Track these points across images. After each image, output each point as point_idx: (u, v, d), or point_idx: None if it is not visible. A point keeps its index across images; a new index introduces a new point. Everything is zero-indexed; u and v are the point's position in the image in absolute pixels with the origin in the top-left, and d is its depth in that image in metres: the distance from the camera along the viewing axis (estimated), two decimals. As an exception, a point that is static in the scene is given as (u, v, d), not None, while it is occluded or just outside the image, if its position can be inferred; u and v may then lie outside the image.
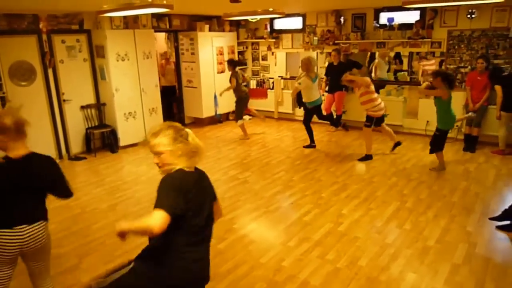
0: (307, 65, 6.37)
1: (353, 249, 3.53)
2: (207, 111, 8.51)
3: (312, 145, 6.77)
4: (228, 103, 8.83)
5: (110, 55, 6.58)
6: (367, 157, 6.00)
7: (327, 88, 7.82)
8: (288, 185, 5.13)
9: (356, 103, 6.31)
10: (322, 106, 6.87)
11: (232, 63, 7.28)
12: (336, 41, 7.86)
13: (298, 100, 8.22)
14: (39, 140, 6.23)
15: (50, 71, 6.25)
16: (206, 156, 6.43)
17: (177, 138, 1.91)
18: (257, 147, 6.97)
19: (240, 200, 4.70)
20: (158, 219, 1.69)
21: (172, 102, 8.91)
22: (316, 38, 8.14)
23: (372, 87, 5.80)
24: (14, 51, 5.81)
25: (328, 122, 7.56)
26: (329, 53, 7.79)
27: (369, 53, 8.29)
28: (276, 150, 6.73)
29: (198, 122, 8.76)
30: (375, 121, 5.89)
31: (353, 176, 5.37)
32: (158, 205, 1.74)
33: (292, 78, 8.69)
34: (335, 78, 6.93)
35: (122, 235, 1.76)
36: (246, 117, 7.67)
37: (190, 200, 1.83)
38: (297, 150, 6.67)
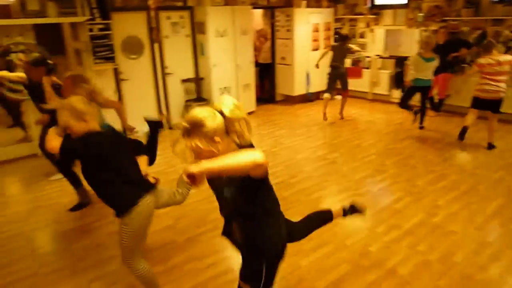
0: (425, 43, 6.06)
1: (447, 243, 3.31)
2: (299, 89, 8.47)
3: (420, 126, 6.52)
4: (320, 82, 8.70)
5: (210, 31, 6.83)
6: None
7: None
8: (379, 169, 4.94)
9: (462, 86, 5.77)
10: None
11: (341, 37, 7.06)
12: (444, 18, 7.20)
13: (397, 80, 7.79)
14: (144, 109, 6.80)
15: (156, 46, 6.71)
16: (294, 134, 6.47)
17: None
18: (348, 128, 6.79)
19: (327, 181, 4.66)
20: (261, 154, 1.49)
21: (265, 79, 9.03)
22: (422, 14, 7.54)
23: (488, 69, 5.17)
24: (126, 27, 6.33)
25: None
26: (435, 31, 7.18)
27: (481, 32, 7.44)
28: (367, 133, 6.49)
29: (289, 100, 8.77)
30: (480, 103, 5.33)
31: (453, 166, 4.97)
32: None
33: (391, 57, 8.22)
34: (441, 58, 6.39)
35: (193, 178, 1.47)
36: (338, 97, 7.44)
37: None
38: (391, 134, 6.36)
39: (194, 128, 1.60)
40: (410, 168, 4.94)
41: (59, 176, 4.65)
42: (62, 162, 4.11)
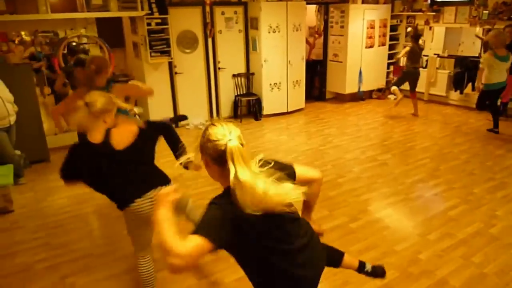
0: (496, 38, 5.62)
1: (506, 257, 3.11)
2: (350, 87, 8.28)
3: (494, 130, 6.13)
4: (373, 80, 8.47)
5: (263, 27, 6.84)
6: None
7: None
8: (433, 174, 4.73)
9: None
10: None
11: (415, 36, 6.91)
12: (512, 16, 6.73)
13: (455, 81, 7.44)
14: (195, 103, 6.97)
15: (209, 41, 6.83)
16: (344, 133, 6.35)
17: None
18: (401, 129, 6.55)
19: (377, 183, 4.53)
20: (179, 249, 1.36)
21: (315, 76, 8.92)
22: (487, 11, 7.09)
23: None
24: (182, 22, 6.49)
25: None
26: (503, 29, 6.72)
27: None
28: (422, 135, 6.23)
29: (339, 98, 8.61)
30: None
31: (515, 175, 4.67)
32: None
33: (450, 56, 7.81)
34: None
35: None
36: (399, 95, 7.18)
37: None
38: (447, 137, 6.05)
39: (203, 146, 1.49)
40: (467, 174, 4.69)
41: None
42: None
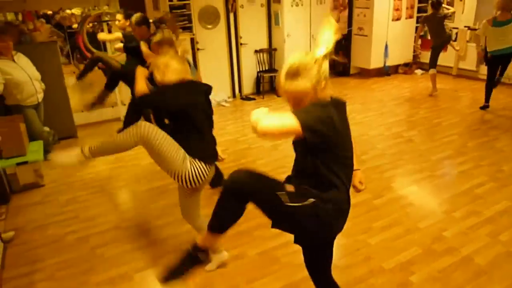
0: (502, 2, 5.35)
1: (534, 235, 3.04)
2: (375, 62, 8.07)
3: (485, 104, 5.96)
4: (399, 54, 8.22)
5: (286, 0, 6.69)
6: None
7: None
8: (460, 151, 4.61)
9: None
10: None
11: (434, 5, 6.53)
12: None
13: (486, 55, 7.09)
14: (218, 79, 6.95)
15: (231, 16, 6.74)
16: (368, 109, 6.23)
17: None
18: (428, 105, 6.37)
19: (402, 159, 4.45)
20: (290, 121, 1.48)
21: (339, 51, 8.72)
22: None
23: None
24: (204, -4, 6.43)
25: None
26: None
27: None
28: (449, 111, 6.05)
29: (364, 73, 8.42)
30: None
31: (547, 152, 4.50)
32: None
33: (482, 29, 7.45)
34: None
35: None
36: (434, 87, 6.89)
37: None
38: (476, 114, 5.86)
39: (303, 70, 1.55)
40: (496, 151, 4.55)
41: None
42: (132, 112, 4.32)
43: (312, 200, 1.58)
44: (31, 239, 3.32)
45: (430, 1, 6.74)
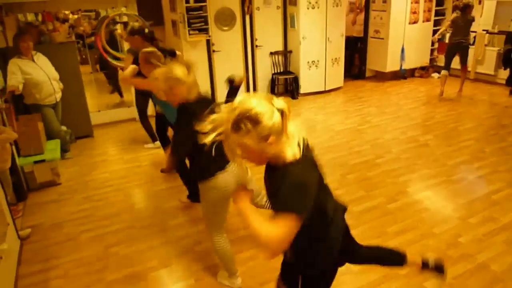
0: None
1: (553, 244, 2.97)
2: (392, 65, 7.98)
3: None
4: (416, 58, 8.13)
5: (302, 3, 6.68)
6: None
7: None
8: (477, 156, 4.53)
9: None
10: None
11: (462, 7, 6.47)
12: None
13: (504, 58, 6.97)
14: (232, 81, 6.95)
15: (247, 18, 6.76)
16: (383, 113, 6.18)
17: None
18: (444, 109, 6.28)
19: (417, 164, 4.40)
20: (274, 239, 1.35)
21: (355, 54, 8.67)
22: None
23: None
24: (220, -2, 6.47)
25: None
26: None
27: None
28: (466, 115, 5.95)
29: (380, 76, 8.34)
30: None
31: None
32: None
33: (501, 32, 7.33)
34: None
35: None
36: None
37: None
38: (493, 118, 5.75)
39: (246, 123, 1.32)
40: (515, 157, 4.46)
41: (152, 145, 5.06)
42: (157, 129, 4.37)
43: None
44: (47, 236, 3.38)
45: (460, 4, 6.60)
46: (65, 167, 4.69)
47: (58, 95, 4.69)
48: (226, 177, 2.34)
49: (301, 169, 1.40)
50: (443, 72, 6.67)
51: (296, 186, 1.37)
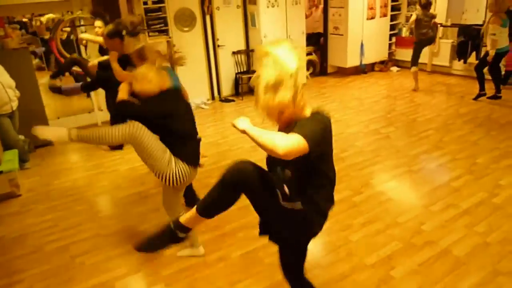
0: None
1: (509, 225, 3.13)
2: (352, 61, 8.16)
3: (481, 93, 6.14)
4: (375, 52, 8.35)
5: (261, 2, 6.71)
6: None
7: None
8: (436, 145, 4.72)
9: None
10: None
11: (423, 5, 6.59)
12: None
13: (458, 50, 7.28)
14: (196, 82, 6.91)
15: (208, 18, 6.72)
16: (346, 107, 6.31)
17: None
18: (404, 101, 6.50)
19: (380, 156, 4.53)
20: (285, 143, 1.45)
21: (316, 50, 8.79)
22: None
23: None
24: (179, -1, 6.39)
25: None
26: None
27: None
28: (425, 107, 6.18)
29: (341, 72, 8.52)
30: None
31: (519, 143, 4.64)
32: None
33: (454, 25, 7.64)
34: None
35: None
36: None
37: None
38: (451, 108, 6.01)
39: (281, 83, 1.54)
40: (471, 144, 4.67)
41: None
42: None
43: (301, 204, 1.68)
44: (10, 250, 3.24)
45: (422, 1, 6.78)
46: (25, 177, 4.50)
47: (14, 104, 4.50)
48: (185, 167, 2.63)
49: (322, 115, 1.67)
50: (413, 68, 6.75)
51: (315, 121, 1.61)
